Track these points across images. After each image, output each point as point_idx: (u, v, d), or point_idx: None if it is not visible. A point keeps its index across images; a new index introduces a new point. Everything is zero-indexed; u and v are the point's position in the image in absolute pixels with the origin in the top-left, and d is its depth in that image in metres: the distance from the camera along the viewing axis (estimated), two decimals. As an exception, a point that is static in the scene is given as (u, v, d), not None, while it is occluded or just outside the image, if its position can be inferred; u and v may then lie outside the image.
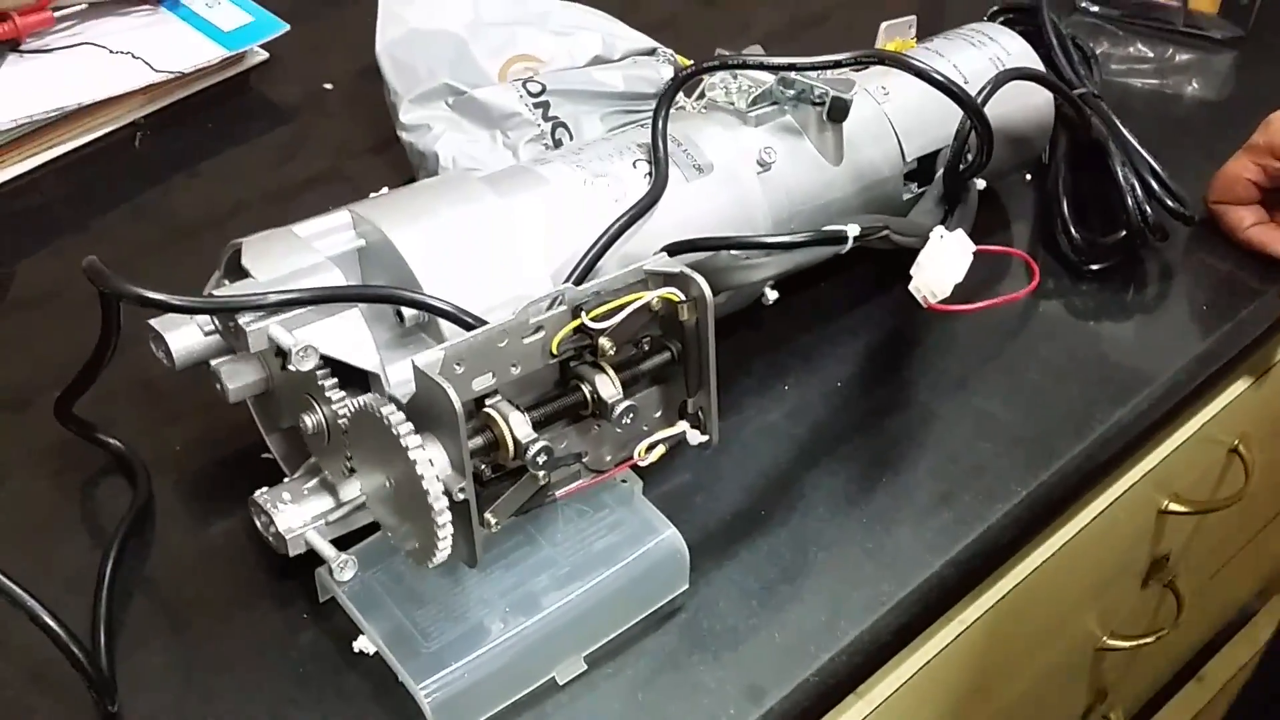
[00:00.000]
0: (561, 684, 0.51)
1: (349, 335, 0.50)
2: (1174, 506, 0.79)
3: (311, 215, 0.55)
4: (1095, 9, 0.92)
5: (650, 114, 0.65)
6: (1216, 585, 1.07)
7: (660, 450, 0.54)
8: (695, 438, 0.54)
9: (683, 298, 0.52)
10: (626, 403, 0.51)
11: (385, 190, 0.57)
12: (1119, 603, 0.89)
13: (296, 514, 0.51)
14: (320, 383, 0.49)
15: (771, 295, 0.63)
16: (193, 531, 0.57)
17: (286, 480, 0.53)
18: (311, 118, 0.83)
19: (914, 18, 0.77)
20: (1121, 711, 1.04)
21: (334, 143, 0.81)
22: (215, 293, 0.51)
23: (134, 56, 0.78)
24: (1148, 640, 0.90)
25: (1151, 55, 0.90)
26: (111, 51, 0.78)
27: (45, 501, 0.58)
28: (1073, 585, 0.76)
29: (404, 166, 0.75)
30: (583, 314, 0.51)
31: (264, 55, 0.85)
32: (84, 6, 0.80)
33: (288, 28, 0.84)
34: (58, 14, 0.79)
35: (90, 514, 0.58)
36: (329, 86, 0.85)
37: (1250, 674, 0.87)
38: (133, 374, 0.60)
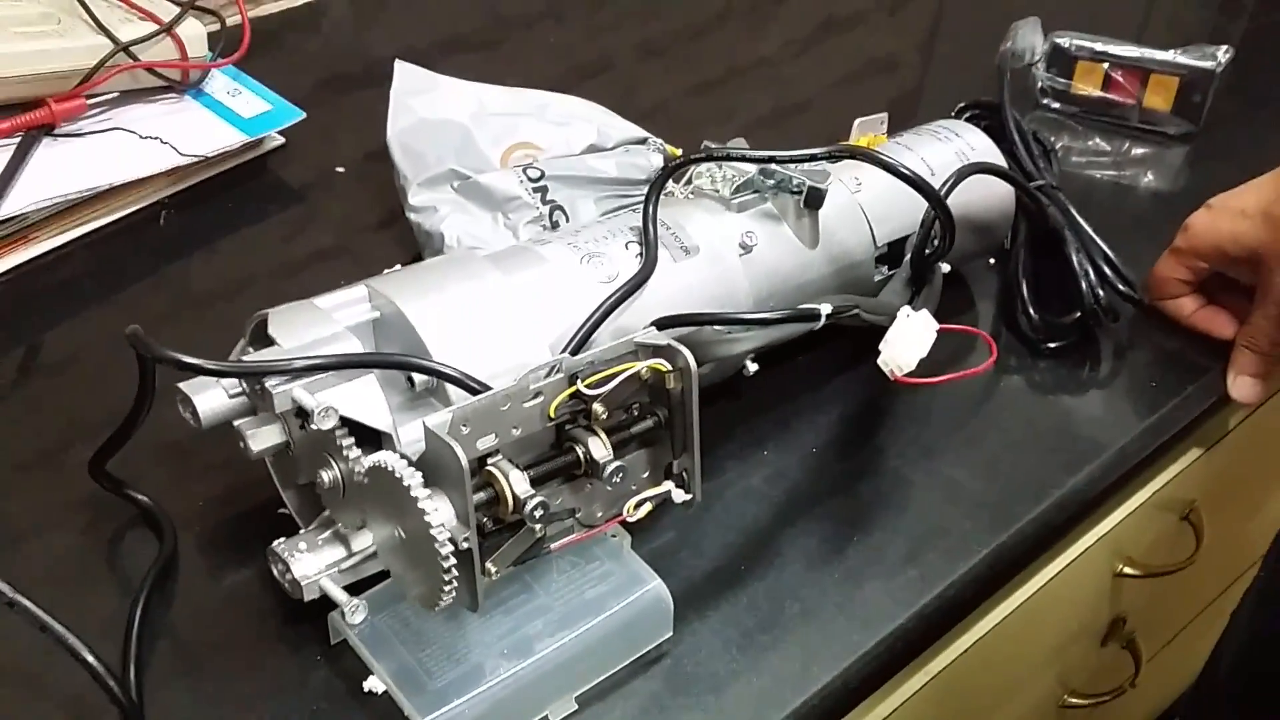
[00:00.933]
0: (554, 723, 0.55)
1: (365, 398, 0.54)
2: (1128, 570, 0.82)
3: (319, 287, 0.58)
4: (1056, 105, 0.96)
5: (641, 198, 0.69)
6: (1176, 650, 1.10)
7: (647, 508, 0.57)
8: (680, 496, 0.58)
9: (670, 368, 0.55)
10: (617, 463, 0.55)
11: (398, 267, 0.62)
12: (1080, 662, 0.92)
13: (312, 562, 0.54)
14: (338, 441, 0.53)
15: (752, 367, 0.66)
16: (213, 580, 0.60)
17: (302, 532, 0.57)
18: (322, 198, 0.87)
19: (885, 115, 0.81)
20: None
21: (343, 221, 0.85)
22: (244, 358, 0.54)
23: (161, 141, 0.81)
24: (1106, 698, 0.93)
25: (1109, 149, 0.94)
26: (140, 136, 0.82)
27: (77, 552, 0.61)
28: (1033, 642, 0.79)
29: (407, 244, 0.78)
30: (578, 381, 0.54)
31: (280, 140, 0.89)
32: (115, 94, 0.84)
33: (304, 115, 0.88)
34: (90, 101, 0.83)
35: (118, 564, 0.61)
36: (340, 170, 0.88)
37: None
38: (158, 435, 0.62)
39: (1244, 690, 0.79)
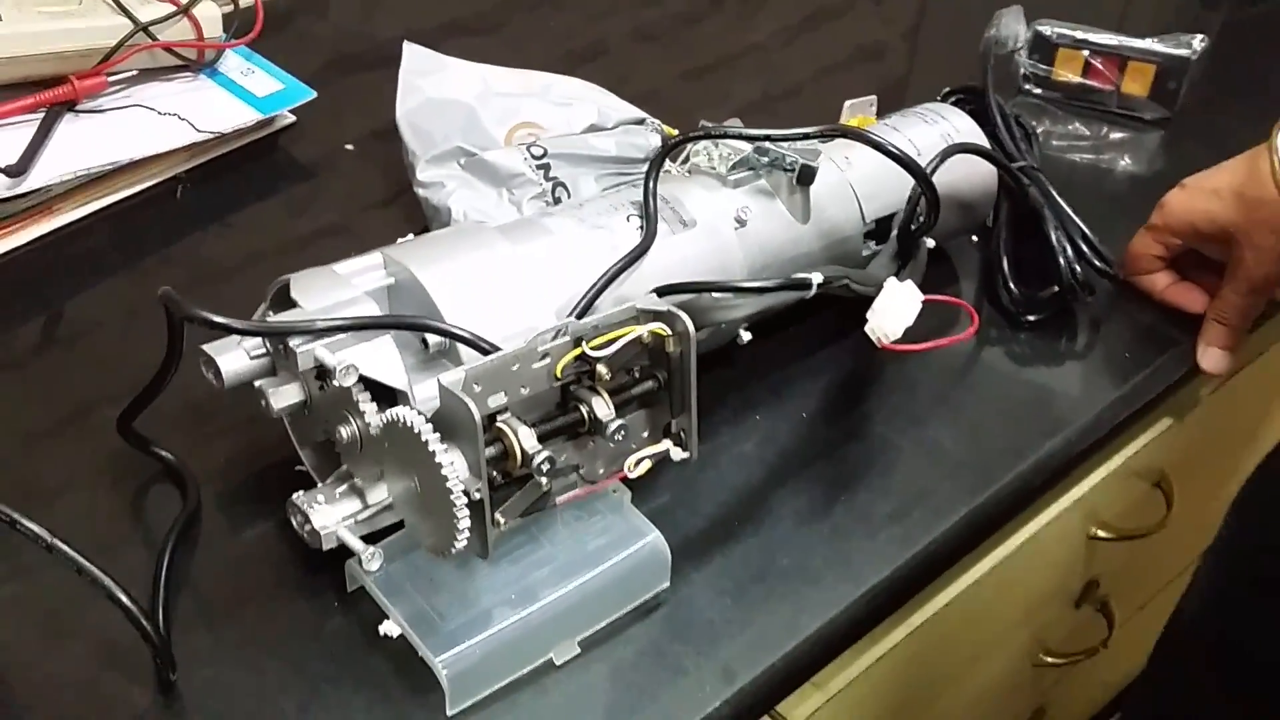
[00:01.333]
0: (559, 664, 0.58)
1: (383, 358, 0.56)
2: (1101, 533, 0.86)
3: (332, 258, 0.61)
4: (1038, 91, 0.99)
5: (639, 176, 0.72)
6: (1149, 615, 1.12)
7: (647, 465, 0.60)
8: (678, 454, 0.60)
9: (669, 332, 0.58)
10: (619, 422, 0.57)
11: (410, 237, 0.64)
12: (1054, 622, 0.95)
13: (330, 513, 0.57)
14: (356, 399, 0.56)
15: (745, 336, 0.69)
16: (234, 533, 0.63)
17: (320, 486, 0.60)
18: (332, 174, 0.90)
19: (874, 97, 0.84)
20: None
21: (352, 196, 0.88)
22: (267, 319, 0.57)
23: (179, 118, 0.84)
24: (1080, 657, 0.96)
25: (1088, 133, 0.97)
26: (159, 113, 0.84)
27: (104, 506, 0.64)
28: (1010, 600, 0.83)
29: (415, 218, 0.81)
30: (583, 344, 0.58)
31: (292, 119, 0.91)
32: (135, 73, 0.87)
33: (315, 94, 0.90)
34: (111, 79, 0.85)
35: (143, 518, 0.64)
36: (350, 147, 0.91)
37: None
38: (180, 396, 0.64)
39: (1205, 644, 0.82)
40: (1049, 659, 0.96)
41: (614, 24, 1.10)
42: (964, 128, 0.79)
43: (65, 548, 0.52)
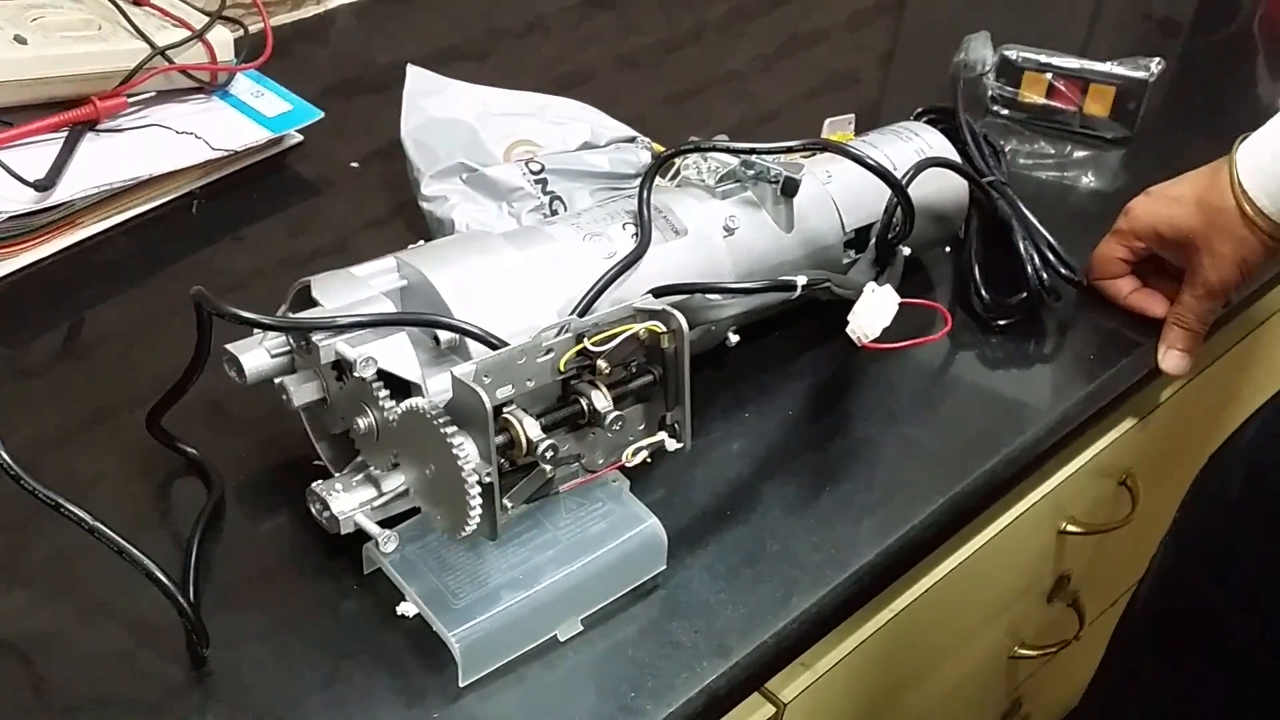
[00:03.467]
0: (563, 640, 0.60)
1: (398, 353, 0.59)
2: (1070, 527, 0.89)
3: (343, 266, 0.63)
4: (1005, 112, 1.02)
5: (632, 189, 0.75)
6: (1119, 612, 1.16)
7: (644, 455, 0.62)
8: (672, 445, 0.63)
9: (665, 329, 0.61)
10: (616, 412, 0.60)
11: (421, 243, 0.67)
12: (1028, 615, 0.98)
13: (347, 500, 0.59)
14: (374, 391, 0.58)
15: (734, 339, 0.72)
16: (255, 523, 0.66)
17: (337, 475, 0.62)
18: (339, 190, 0.92)
19: (853, 115, 0.87)
20: (1035, 724, 1.13)
21: (359, 210, 0.90)
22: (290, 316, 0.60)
23: (196, 136, 0.86)
24: (1053, 649, 0.99)
25: (1052, 151, 1.00)
26: (176, 132, 0.87)
27: (134, 499, 0.66)
28: (985, 590, 0.85)
29: (418, 230, 0.83)
30: (585, 340, 0.60)
31: (299, 138, 0.94)
32: (153, 94, 0.89)
33: (322, 115, 0.93)
34: (130, 99, 0.88)
35: (170, 509, 0.66)
36: (355, 165, 0.94)
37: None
38: (202, 396, 0.67)
39: (1155, 627, 0.85)
40: (1023, 651, 0.98)
41: (599, 51, 1.13)
42: (936, 144, 0.82)
43: (106, 529, 0.55)
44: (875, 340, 0.67)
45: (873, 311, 0.68)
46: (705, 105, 1.07)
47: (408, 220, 0.86)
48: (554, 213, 0.81)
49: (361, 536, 0.59)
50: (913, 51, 1.18)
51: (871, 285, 0.69)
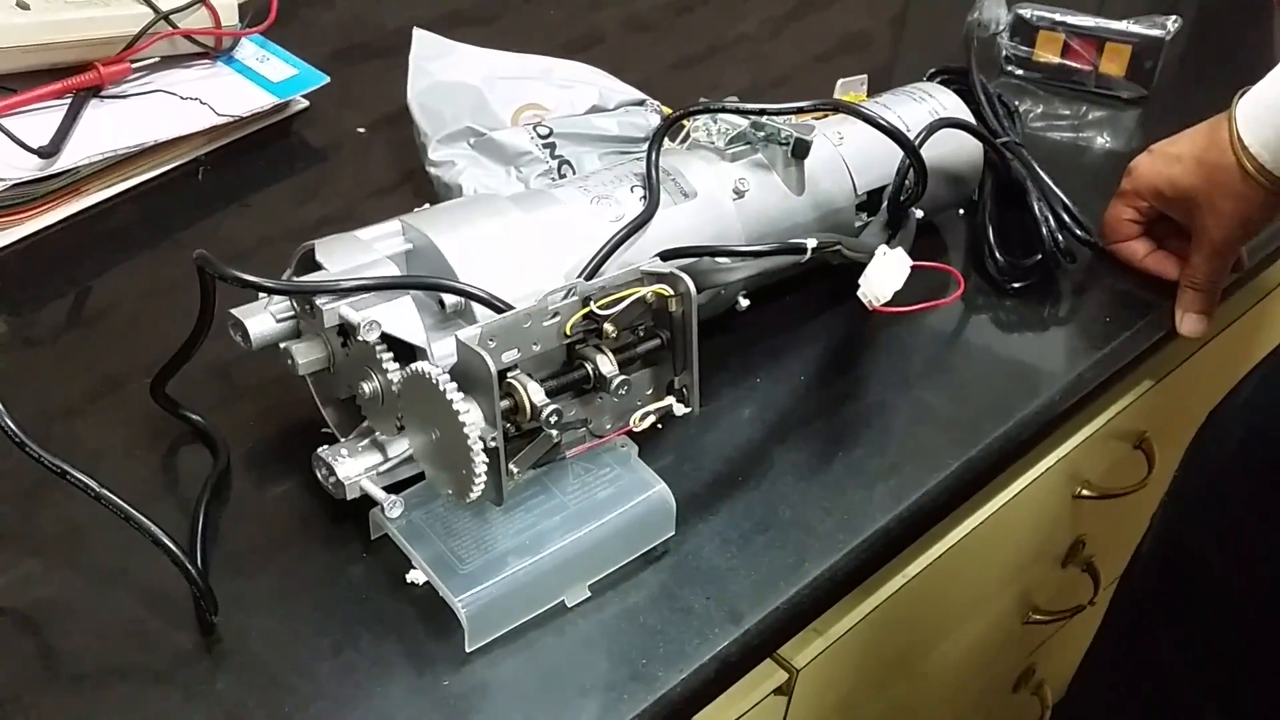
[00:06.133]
0: (570, 606, 0.59)
1: (403, 317, 0.58)
2: (1085, 492, 0.87)
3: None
4: (1019, 72, 1.00)
5: (640, 152, 0.74)
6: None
7: (651, 419, 0.61)
8: (680, 409, 0.62)
9: (672, 292, 0.60)
10: (622, 377, 0.59)
11: (427, 206, 0.66)
12: (1042, 581, 0.97)
13: (353, 465, 0.59)
14: (378, 355, 0.57)
15: (744, 303, 0.71)
16: (260, 490, 0.65)
17: (343, 441, 0.61)
18: (345, 155, 0.91)
19: (865, 76, 0.86)
20: (1049, 692, 1.12)
21: (364, 176, 0.89)
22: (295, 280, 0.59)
23: (200, 102, 0.85)
24: (1067, 615, 0.98)
25: (1067, 112, 0.98)
26: (181, 98, 0.86)
27: (140, 467, 0.66)
28: (999, 555, 0.84)
29: (425, 195, 0.82)
30: (591, 303, 0.59)
31: (305, 104, 0.92)
32: (156, 59, 0.88)
33: (328, 79, 0.92)
34: (134, 65, 0.87)
35: (175, 477, 0.66)
36: (361, 130, 0.92)
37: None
38: (205, 363, 0.66)
39: (1156, 584, 0.84)
40: (1037, 617, 0.97)
41: (608, 15, 1.11)
42: (950, 104, 0.80)
43: (112, 496, 0.54)
44: (887, 304, 0.66)
45: (884, 274, 0.67)
46: (715, 69, 1.05)
47: (415, 186, 0.85)
48: (562, 177, 0.80)
49: (367, 502, 0.59)
50: (925, 12, 1.16)
51: (883, 248, 0.68)
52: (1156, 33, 0.96)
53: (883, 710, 0.86)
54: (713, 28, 1.10)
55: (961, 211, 0.85)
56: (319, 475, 0.60)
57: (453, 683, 0.56)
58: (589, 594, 0.60)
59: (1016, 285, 0.80)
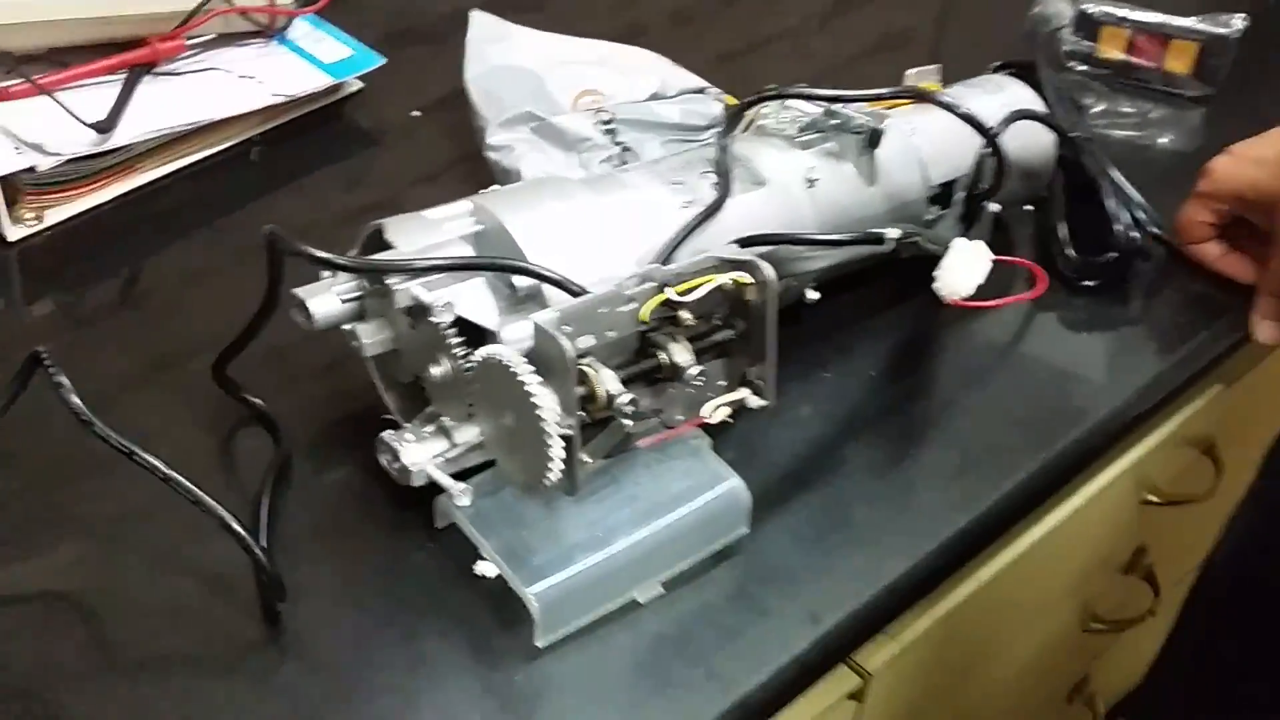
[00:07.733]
0: (643, 603, 0.57)
1: (476, 299, 0.56)
2: (1152, 498, 0.85)
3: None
4: (1082, 69, 0.97)
5: (702, 143, 0.72)
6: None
7: (725, 411, 0.59)
8: (755, 402, 0.60)
9: (751, 281, 0.58)
10: (699, 367, 0.57)
11: (495, 188, 0.64)
12: (1103, 588, 0.95)
13: (419, 451, 0.56)
14: (449, 338, 0.55)
15: (813, 295, 0.69)
16: (321, 475, 0.63)
17: (408, 426, 0.59)
18: (401, 138, 0.89)
19: (940, 66, 0.83)
20: (1101, 702, 1.10)
21: (420, 160, 0.87)
22: (369, 258, 0.57)
23: (256, 81, 0.84)
24: (1127, 623, 0.96)
25: (1132, 110, 0.95)
26: (236, 76, 0.84)
27: (200, 450, 0.64)
28: (1067, 561, 0.82)
29: (483, 181, 0.77)
30: (668, 290, 0.57)
31: (359, 85, 0.90)
32: (211, 37, 0.87)
33: (384, 61, 0.90)
34: (188, 42, 0.85)
35: (235, 460, 0.64)
36: (416, 113, 0.90)
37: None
38: (261, 344, 0.64)
39: (1231, 597, 0.82)
40: (1097, 625, 0.95)
41: (651, 6, 1.09)
42: (1025, 97, 0.78)
43: (180, 478, 0.52)
44: (968, 298, 0.64)
45: (965, 268, 0.66)
46: (761, 63, 1.02)
47: (470, 170, 0.82)
48: (624, 164, 0.77)
49: (431, 489, 0.57)
50: (969, 9, 1.14)
51: (962, 241, 0.66)
52: (1223, 30, 0.93)
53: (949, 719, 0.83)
54: (756, 21, 1.08)
55: (1026, 207, 0.83)
56: (383, 461, 0.58)
57: (523, 679, 0.54)
58: (662, 590, 0.58)
59: (1089, 283, 0.77)
